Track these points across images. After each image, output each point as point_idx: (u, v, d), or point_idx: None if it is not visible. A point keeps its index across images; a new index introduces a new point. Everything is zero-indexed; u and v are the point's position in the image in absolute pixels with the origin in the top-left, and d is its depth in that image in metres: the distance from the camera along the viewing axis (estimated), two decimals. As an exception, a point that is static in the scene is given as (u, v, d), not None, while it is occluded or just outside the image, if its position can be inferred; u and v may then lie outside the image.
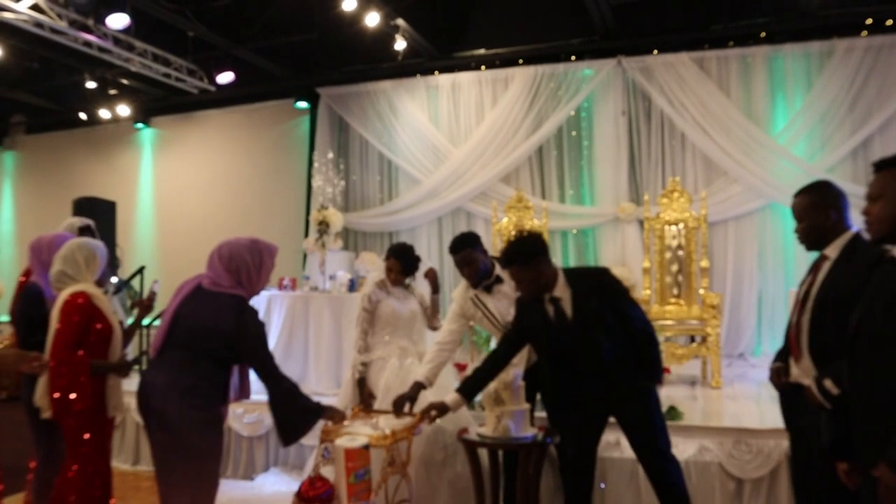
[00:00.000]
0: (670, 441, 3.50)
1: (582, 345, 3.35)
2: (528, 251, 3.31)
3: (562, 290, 3.34)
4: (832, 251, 2.83)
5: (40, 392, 3.19)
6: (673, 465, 3.47)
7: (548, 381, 3.58)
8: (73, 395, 3.10)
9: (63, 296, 3.21)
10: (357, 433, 3.32)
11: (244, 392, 3.23)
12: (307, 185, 8.77)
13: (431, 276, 4.29)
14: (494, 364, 3.59)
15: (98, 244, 3.45)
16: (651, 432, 3.43)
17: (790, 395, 3.00)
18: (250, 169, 9.61)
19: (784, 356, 3.04)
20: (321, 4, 7.18)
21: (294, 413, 3.05)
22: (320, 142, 8.87)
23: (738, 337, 7.41)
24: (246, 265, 3.03)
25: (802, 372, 2.86)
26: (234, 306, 2.95)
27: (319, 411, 3.12)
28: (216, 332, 2.91)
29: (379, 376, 4.07)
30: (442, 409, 3.51)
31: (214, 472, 3.00)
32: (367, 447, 3.22)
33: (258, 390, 5.80)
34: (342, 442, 3.20)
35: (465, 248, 3.85)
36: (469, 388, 3.58)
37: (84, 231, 4.37)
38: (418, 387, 3.70)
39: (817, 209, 2.88)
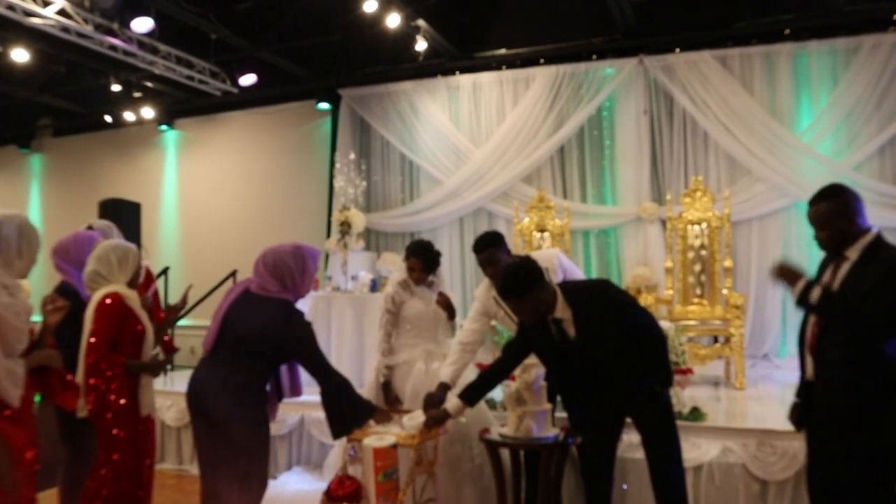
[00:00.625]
0: (680, 446, 3.47)
1: (587, 361, 3.35)
2: (521, 285, 3.25)
3: (562, 311, 3.31)
4: (853, 253, 2.85)
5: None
6: (677, 471, 3.44)
7: (558, 391, 3.60)
8: (111, 396, 3.14)
9: (96, 297, 3.25)
10: (384, 433, 3.39)
11: (295, 390, 3.33)
12: (329, 186, 8.82)
13: (444, 303, 4.20)
14: (499, 371, 3.62)
15: (132, 246, 3.48)
16: (661, 436, 3.41)
17: (807, 395, 3.03)
18: (272, 170, 9.68)
19: (803, 392, 3.07)
20: (342, 6, 7.22)
21: (346, 409, 3.18)
22: (342, 143, 8.91)
23: (763, 337, 7.33)
24: (290, 270, 3.17)
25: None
26: (282, 310, 3.10)
27: (371, 410, 3.29)
28: (265, 334, 3.05)
29: (405, 381, 4.06)
30: (443, 416, 3.51)
31: (263, 470, 3.12)
32: (395, 446, 3.29)
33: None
34: (370, 441, 3.26)
35: (489, 247, 3.87)
36: (471, 394, 3.57)
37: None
38: (445, 388, 3.72)
39: (840, 216, 2.87)
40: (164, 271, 8.55)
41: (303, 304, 5.98)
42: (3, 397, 2.55)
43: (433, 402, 3.61)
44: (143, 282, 4.53)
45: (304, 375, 3.30)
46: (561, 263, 3.99)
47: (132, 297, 3.31)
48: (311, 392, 5.77)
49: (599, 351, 3.32)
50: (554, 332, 3.36)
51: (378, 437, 3.33)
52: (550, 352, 3.45)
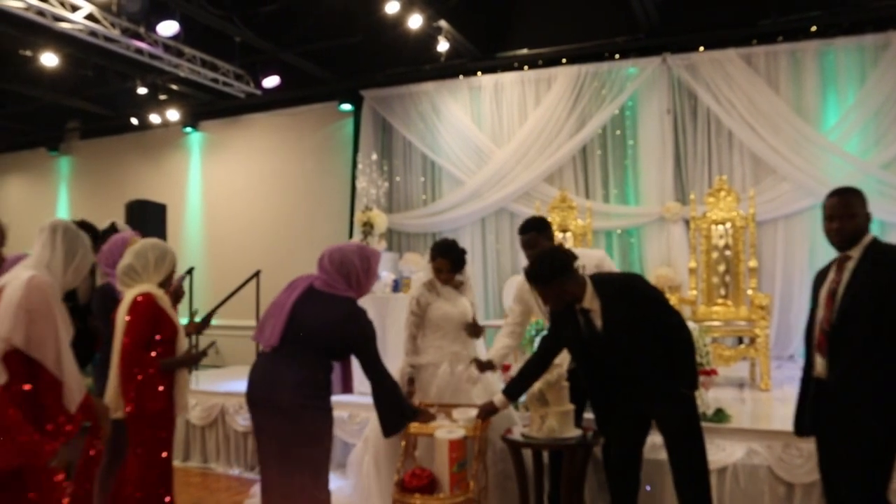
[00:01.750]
0: (705, 450, 3.45)
1: (613, 354, 3.35)
2: (547, 272, 3.30)
3: (591, 301, 3.32)
4: (856, 252, 2.98)
5: (111, 393, 3.26)
6: (702, 475, 3.41)
7: (586, 387, 3.59)
8: (147, 398, 3.18)
9: (129, 296, 3.26)
10: (442, 425, 3.58)
11: (347, 387, 3.38)
12: (351, 187, 8.86)
13: (474, 330, 4.22)
14: (536, 365, 3.64)
15: (171, 248, 3.50)
16: (686, 439, 3.38)
17: (817, 394, 3.08)
18: (295, 171, 9.75)
19: (811, 391, 3.13)
20: (364, 8, 7.25)
21: (396, 410, 3.33)
22: (364, 143, 8.95)
23: (788, 338, 7.24)
24: (356, 269, 3.25)
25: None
26: (350, 308, 3.22)
27: (415, 413, 3.46)
28: (333, 331, 3.15)
29: (430, 383, 4.06)
30: (490, 409, 3.63)
31: (328, 458, 3.21)
32: (465, 438, 3.48)
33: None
34: (442, 434, 3.46)
35: (532, 231, 3.96)
36: (514, 389, 3.68)
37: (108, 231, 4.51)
38: (490, 364, 3.99)
39: (862, 209, 3.01)
40: (189, 272, 8.63)
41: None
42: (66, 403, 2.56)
43: (486, 367, 3.94)
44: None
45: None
46: (601, 267, 3.96)
47: (164, 298, 3.34)
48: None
49: (624, 345, 3.31)
50: (582, 323, 3.36)
51: (447, 430, 3.50)
52: (578, 344, 3.45)
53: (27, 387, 2.49)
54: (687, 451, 3.38)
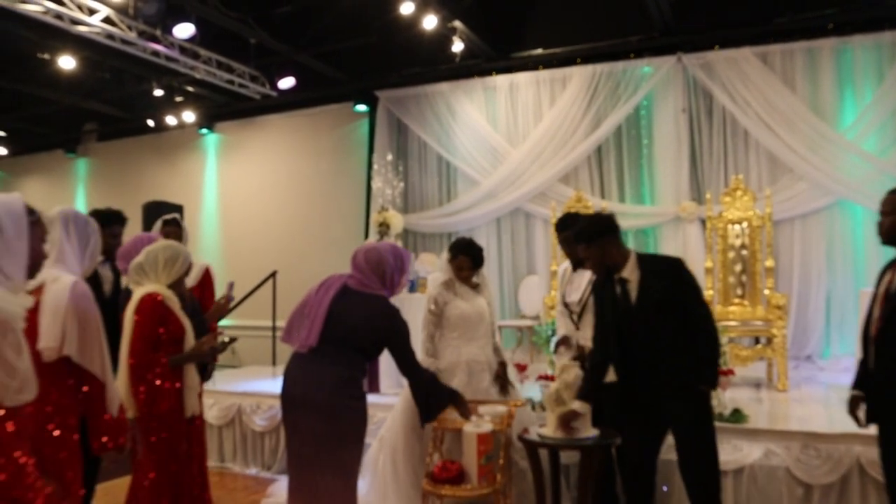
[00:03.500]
0: (716, 451, 3.43)
1: (641, 328, 3.37)
2: (593, 230, 3.41)
3: (630, 272, 3.39)
4: None
5: (121, 393, 3.28)
6: (711, 473, 3.41)
7: (616, 367, 3.54)
8: (156, 398, 3.19)
9: (136, 296, 3.27)
10: (470, 420, 3.62)
11: (374, 387, 3.40)
12: (367, 188, 8.89)
13: (501, 377, 4.23)
14: (598, 362, 3.55)
15: (185, 250, 3.49)
16: (696, 436, 3.38)
17: (877, 389, 3.06)
18: (311, 172, 9.79)
19: (862, 382, 3.13)
20: (379, 9, 7.28)
21: (433, 399, 3.35)
22: (379, 144, 8.98)
23: (806, 338, 7.19)
24: (391, 267, 3.32)
25: None
26: (385, 306, 3.27)
27: (453, 395, 3.45)
28: (372, 329, 3.20)
29: (450, 380, 4.03)
30: (571, 416, 3.50)
31: (360, 461, 3.28)
32: (493, 432, 3.58)
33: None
34: (471, 428, 3.55)
35: (566, 230, 4.03)
36: (587, 390, 3.53)
37: (169, 223, 4.56)
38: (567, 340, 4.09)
39: None
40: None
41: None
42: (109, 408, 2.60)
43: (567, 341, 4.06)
44: (202, 282, 4.61)
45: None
46: None
47: (172, 299, 3.33)
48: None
49: (651, 322, 3.33)
50: (618, 293, 3.41)
51: (475, 424, 3.57)
52: (611, 316, 3.47)
53: (84, 388, 2.57)
54: (696, 450, 3.38)
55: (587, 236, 3.42)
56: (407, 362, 3.28)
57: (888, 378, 2.96)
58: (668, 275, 3.38)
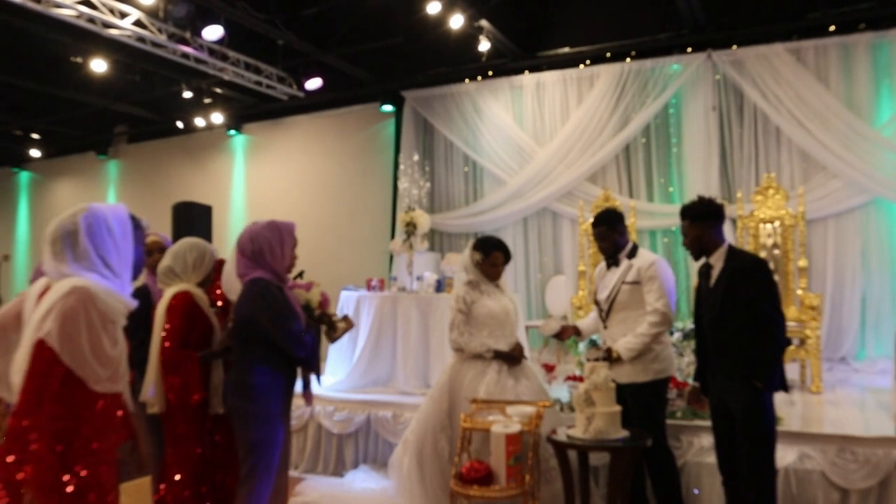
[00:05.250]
0: (770, 450, 3.42)
1: (713, 313, 3.54)
2: (699, 211, 3.61)
3: (717, 260, 3.58)
4: None
5: (154, 389, 3.28)
6: (760, 475, 3.39)
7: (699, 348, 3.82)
8: (187, 391, 3.21)
9: (167, 295, 3.32)
10: (497, 420, 3.66)
11: (307, 399, 3.44)
12: (393, 188, 8.90)
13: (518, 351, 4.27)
14: (703, 348, 3.76)
15: (210, 247, 3.54)
16: (747, 432, 3.40)
17: None
18: (338, 172, 9.83)
19: None
20: (406, 9, 7.28)
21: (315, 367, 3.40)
22: (406, 144, 8.98)
23: (840, 340, 7.05)
24: (268, 242, 3.28)
25: None
26: (247, 287, 3.17)
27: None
28: (241, 318, 3.18)
29: (479, 381, 4.04)
30: (696, 393, 3.82)
31: (272, 466, 3.17)
32: (521, 433, 3.58)
33: (347, 389, 5.91)
34: (499, 429, 3.57)
35: (602, 225, 4.08)
36: (700, 374, 3.80)
37: None
38: (575, 329, 4.31)
39: None
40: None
41: (369, 305, 6.10)
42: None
43: (568, 330, 4.29)
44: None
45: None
46: (648, 270, 3.94)
47: (202, 297, 3.39)
48: (376, 391, 5.86)
49: (721, 310, 3.48)
50: (702, 277, 3.68)
51: (503, 424, 3.59)
52: (697, 300, 3.77)
53: None
54: (749, 446, 3.39)
55: (692, 215, 3.62)
56: (287, 337, 3.15)
57: None
58: (748, 270, 3.49)
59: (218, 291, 3.59)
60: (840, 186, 7.06)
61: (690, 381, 4.20)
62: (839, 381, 6.19)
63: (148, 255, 3.74)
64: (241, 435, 3.17)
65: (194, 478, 3.27)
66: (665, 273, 3.94)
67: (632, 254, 4.02)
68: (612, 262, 4.07)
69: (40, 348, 2.11)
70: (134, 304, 2.30)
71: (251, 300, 3.14)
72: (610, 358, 3.84)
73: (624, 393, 3.84)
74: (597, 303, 4.15)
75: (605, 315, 4.05)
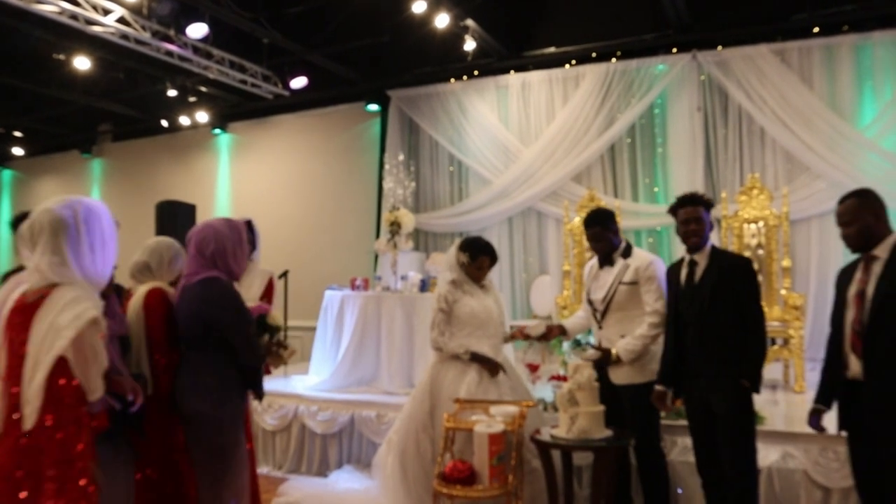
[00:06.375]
0: (753, 451, 3.43)
1: (695, 310, 3.50)
2: (705, 201, 3.67)
3: (702, 257, 3.59)
4: (882, 251, 3.00)
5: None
6: (745, 476, 3.40)
7: (670, 349, 3.71)
8: (167, 383, 3.11)
9: (141, 291, 3.20)
10: (480, 420, 3.65)
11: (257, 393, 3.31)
12: (378, 187, 8.87)
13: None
14: (678, 348, 3.67)
15: (182, 250, 3.42)
16: (731, 432, 3.38)
17: (850, 394, 3.07)
18: (323, 171, 9.79)
19: (826, 395, 3.23)
20: (391, 8, 7.25)
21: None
22: (391, 144, 8.95)
23: (823, 340, 6.96)
24: (231, 242, 3.14)
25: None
26: (202, 286, 3.05)
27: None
28: (196, 318, 3.07)
29: (459, 381, 4.04)
30: (663, 395, 3.70)
31: (231, 470, 3.09)
32: (505, 433, 3.58)
33: (331, 388, 5.88)
34: (482, 428, 3.56)
35: (595, 226, 4.04)
36: (664, 376, 3.71)
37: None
38: (561, 328, 4.32)
39: (866, 211, 3.05)
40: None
41: (353, 304, 6.08)
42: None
43: (551, 329, 4.31)
44: (265, 293, 4.48)
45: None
46: (646, 270, 3.93)
47: (174, 296, 3.28)
48: (360, 391, 5.83)
49: (706, 304, 3.45)
50: (685, 274, 3.64)
51: (486, 424, 3.58)
52: (673, 298, 3.70)
53: None
54: (734, 446, 3.39)
55: (697, 202, 3.66)
56: (245, 341, 3.08)
57: (883, 386, 2.90)
58: (734, 269, 3.51)
59: None
60: (823, 187, 7.10)
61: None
62: (822, 381, 6.21)
63: None
64: (203, 440, 3.05)
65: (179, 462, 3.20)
66: (663, 273, 3.94)
67: (626, 253, 4.00)
68: (606, 261, 4.04)
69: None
70: (101, 305, 2.24)
71: (212, 300, 3.04)
72: (609, 360, 3.84)
73: (620, 394, 3.84)
74: (590, 302, 4.10)
75: (601, 316, 4.02)
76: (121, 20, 6.86)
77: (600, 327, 4.04)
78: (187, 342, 3.09)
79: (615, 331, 3.94)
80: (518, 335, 4.37)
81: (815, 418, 3.24)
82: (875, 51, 7.03)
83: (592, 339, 4.94)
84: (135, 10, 6.89)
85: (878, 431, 2.93)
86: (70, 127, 11.39)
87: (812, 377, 6.15)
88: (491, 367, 4.04)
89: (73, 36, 7.41)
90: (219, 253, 3.10)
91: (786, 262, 6.11)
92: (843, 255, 7.04)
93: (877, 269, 2.98)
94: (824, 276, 7.10)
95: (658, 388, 3.67)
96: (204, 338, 3.05)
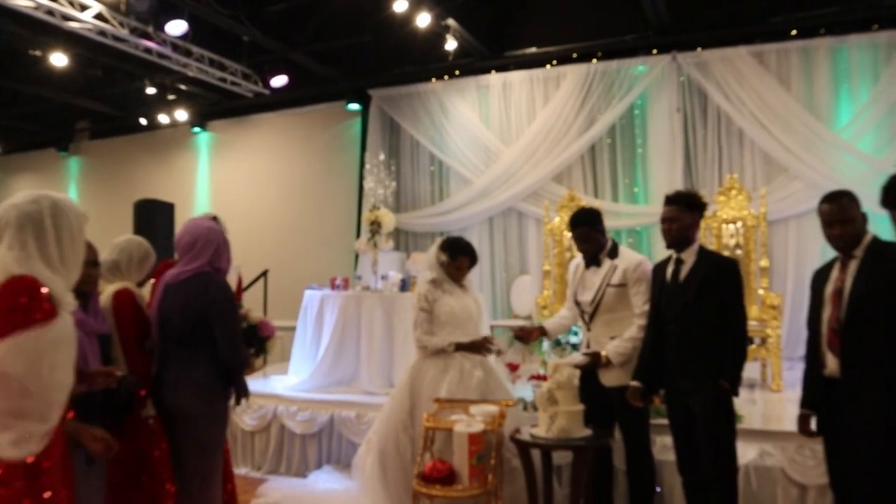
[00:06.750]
0: (733, 450, 3.45)
1: (678, 308, 3.49)
2: (694, 202, 3.62)
3: (689, 255, 3.56)
4: (859, 251, 3.01)
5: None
6: (725, 476, 3.41)
7: (649, 345, 3.67)
8: (143, 392, 3.08)
9: (109, 291, 3.15)
10: (460, 420, 3.64)
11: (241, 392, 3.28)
12: (359, 186, 8.85)
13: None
14: (658, 347, 3.64)
15: (152, 249, 3.40)
16: (711, 431, 3.39)
17: (828, 393, 3.08)
18: (303, 171, 9.74)
19: (810, 399, 3.21)
20: (373, 7, 7.23)
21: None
22: (371, 143, 8.93)
23: (800, 339, 7.11)
24: (219, 241, 3.19)
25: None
26: (203, 284, 3.06)
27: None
28: (190, 313, 3.06)
29: (440, 379, 4.03)
30: (638, 392, 3.64)
31: (219, 469, 3.10)
32: (485, 432, 3.56)
33: (310, 389, 5.84)
34: (462, 428, 3.55)
35: (583, 226, 4.01)
36: (642, 373, 3.66)
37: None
38: (543, 330, 4.26)
39: (858, 211, 3.05)
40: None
41: (333, 304, 6.05)
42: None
43: (529, 332, 4.23)
44: (237, 287, 4.46)
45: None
46: (635, 271, 3.92)
47: (142, 296, 3.27)
48: (340, 391, 5.80)
49: (690, 302, 3.44)
50: (670, 272, 3.60)
51: (465, 423, 3.57)
52: (657, 295, 3.65)
53: None
54: (714, 446, 3.39)
55: (688, 203, 3.62)
56: (233, 339, 3.08)
57: (859, 384, 2.92)
58: (719, 269, 3.49)
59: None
60: (801, 188, 7.18)
61: None
62: (799, 380, 6.23)
63: None
64: (190, 437, 3.02)
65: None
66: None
67: (613, 253, 3.97)
68: (593, 261, 4.01)
69: None
70: (74, 304, 2.15)
71: (207, 293, 3.03)
72: (599, 363, 3.84)
73: (610, 396, 3.83)
74: (578, 304, 4.07)
75: (590, 318, 4.00)
76: (98, 16, 6.78)
77: (588, 329, 4.02)
78: (175, 338, 3.07)
79: (604, 332, 3.92)
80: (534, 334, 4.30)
81: (804, 424, 3.24)
82: (851, 54, 7.12)
83: (573, 339, 4.96)
84: (113, 7, 6.81)
85: (854, 429, 2.94)
86: (47, 124, 11.24)
87: (789, 376, 6.23)
88: (478, 348, 4.06)
89: (49, 32, 7.30)
90: (210, 250, 3.12)
91: (763, 262, 6.16)
92: (820, 256, 7.12)
93: (853, 267, 3.00)
94: (801, 276, 7.18)
95: (633, 384, 3.64)
96: (193, 333, 3.03)
